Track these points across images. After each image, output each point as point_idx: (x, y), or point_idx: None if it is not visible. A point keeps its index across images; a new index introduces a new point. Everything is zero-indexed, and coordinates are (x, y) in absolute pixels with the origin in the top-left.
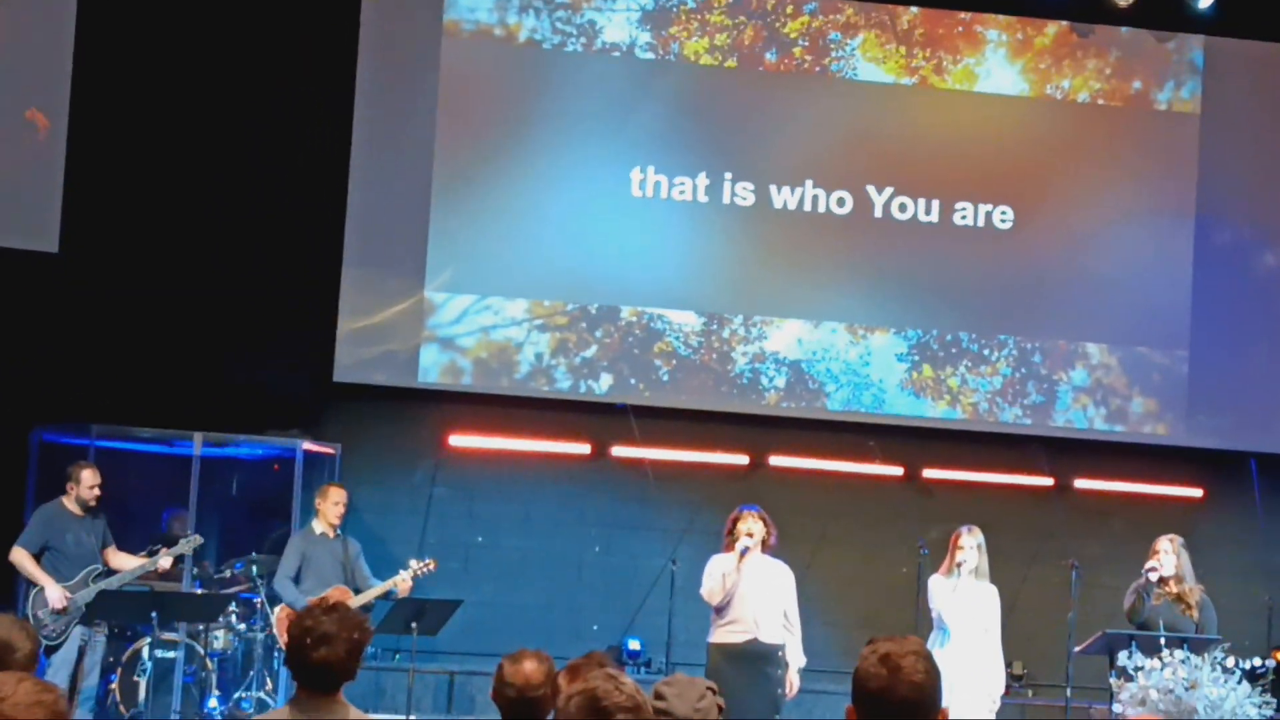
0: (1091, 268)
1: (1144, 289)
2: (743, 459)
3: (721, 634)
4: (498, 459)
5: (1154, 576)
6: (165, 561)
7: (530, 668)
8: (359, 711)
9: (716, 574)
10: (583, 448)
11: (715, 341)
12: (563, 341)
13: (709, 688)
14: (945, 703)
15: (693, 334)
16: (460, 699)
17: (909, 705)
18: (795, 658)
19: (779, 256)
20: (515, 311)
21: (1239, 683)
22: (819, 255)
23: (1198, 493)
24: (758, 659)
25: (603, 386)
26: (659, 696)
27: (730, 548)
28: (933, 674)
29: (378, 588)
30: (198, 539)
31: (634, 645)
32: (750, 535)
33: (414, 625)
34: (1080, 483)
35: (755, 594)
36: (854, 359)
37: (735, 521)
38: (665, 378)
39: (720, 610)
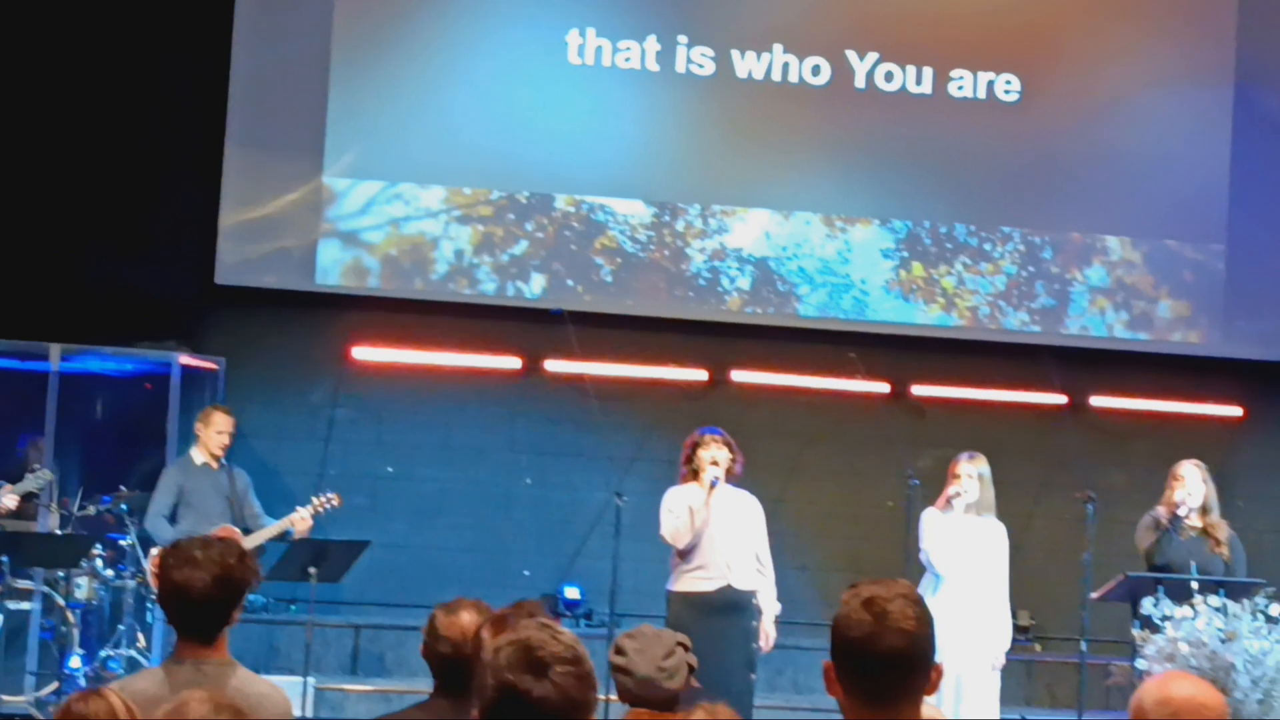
0: (1111, 147)
1: (1173, 171)
2: (700, 374)
3: (688, 581)
4: (411, 375)
5: (1184, 510)
6: (9, 500)
7: (467, 619)
8: (248, 671)
9: (682, 511)
10: (511, 362)
11: (667, 236)
12: (487, 236)
13: (679, 643)
14: (939, 657)
15: (641, 227)
16: (367, 658)
17: (896, 657)
18: (769, 605)
19: (742, 136)
20: (430, 201)
21: None
22: (790, 134)
23: (1237, 411)
24: (730, 609)
25: (534, 289)
26: (619, 651)
27: (688, 479)
28: (924, 621)
29: (271, 527)
30: (47, 474)
31: (572, 594)
32: (716, 464)
33: (313, 571)
34: (1098, 400)
35: (726, 533)
36: (831, 256)
37: (695, 448)
38: (608, 279)
39: (686, 553)
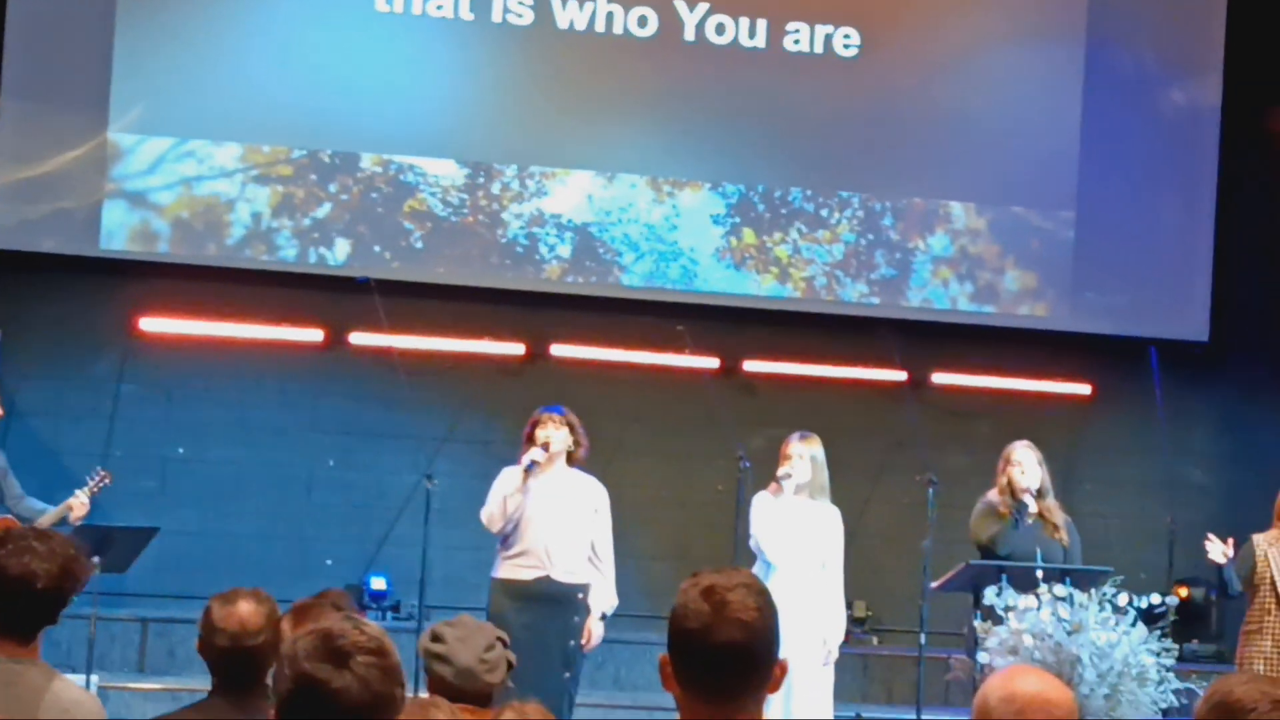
0: (956, 107)
1: (1021, 134)
2: (517, 348)
3: (507, 568)
4: (203, 349)
5: (1028, 497)
6: None
7: (246, 610)
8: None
9: (498, 493)
10: (313, 334)
11: (482, 199)
12: (287, 198)
13: (499, 638)
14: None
15: (453, 189)
16: (156, 654)
17: (735, 651)
18: (601, 601)
19: (563, 91)
20: (225, 159)
21: (1133, 625)
22: (614, 90)
23: (1085, 389)
24: (549, 601)
25: (338, 256)
26: (436, 638)
27: None
28: (767, 613)
29: (50, 514)
30: None
31: (378, 584)
32: (546, 445)
33: (96, 560)
34: (940, 378)
35: (548, 519)
36: (658, 221)
37: (534, 427)
38: (419, 245)
39: (506, 539)
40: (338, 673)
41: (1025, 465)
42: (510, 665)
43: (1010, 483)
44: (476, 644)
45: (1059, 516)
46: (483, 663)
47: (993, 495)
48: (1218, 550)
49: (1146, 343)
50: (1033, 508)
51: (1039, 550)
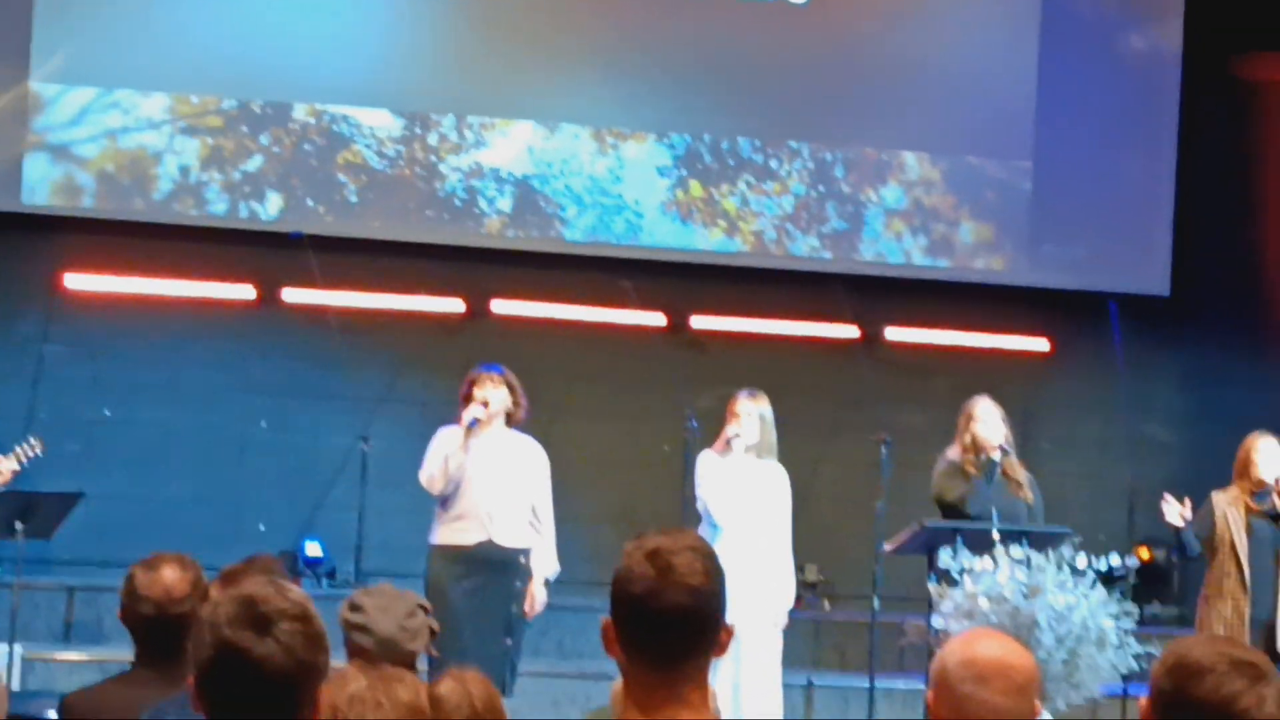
0: (909, 54)
1: (976, 82)
2: (457, 305)
3: (446, 533)
4: (131, 306)
5: (997, 453)
6: None
7: (171, 576)
8: None
9: (438, 454)
10: (245, 291)
11: (419, 150)
12: (216, 150)
13: (421, 605)
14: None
15: (389, 140)
16: (83, 623)
17: (682, 614)
18: (543, 566)
19: (502, 38)
20: (152, 110)
21: (1092, 587)
22: (555, 36)
23: (1043, 345)
24: (491, 566)
25: (270, 210)
26: (355, 607)
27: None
28: (714, 576)
29: None
30: None
31: (313, 550)
32: (486, 404)
33: (20, 526)
34: (893, 333)
35: (490, 482)
36: (601, 174)
37: (472, 386)
38: (353, 198)
39: (445, 502)
40: (259, 640)
41: (989, 420)
42: (433, 632)
43: (975, 440)
44: (396, 612)
45: (1022, 474)
46: (403, 630)
47: (953, 453)
48: (1174, 512)
49: (1106, 297)
50: (1000, 464)
51: (1005, 509)
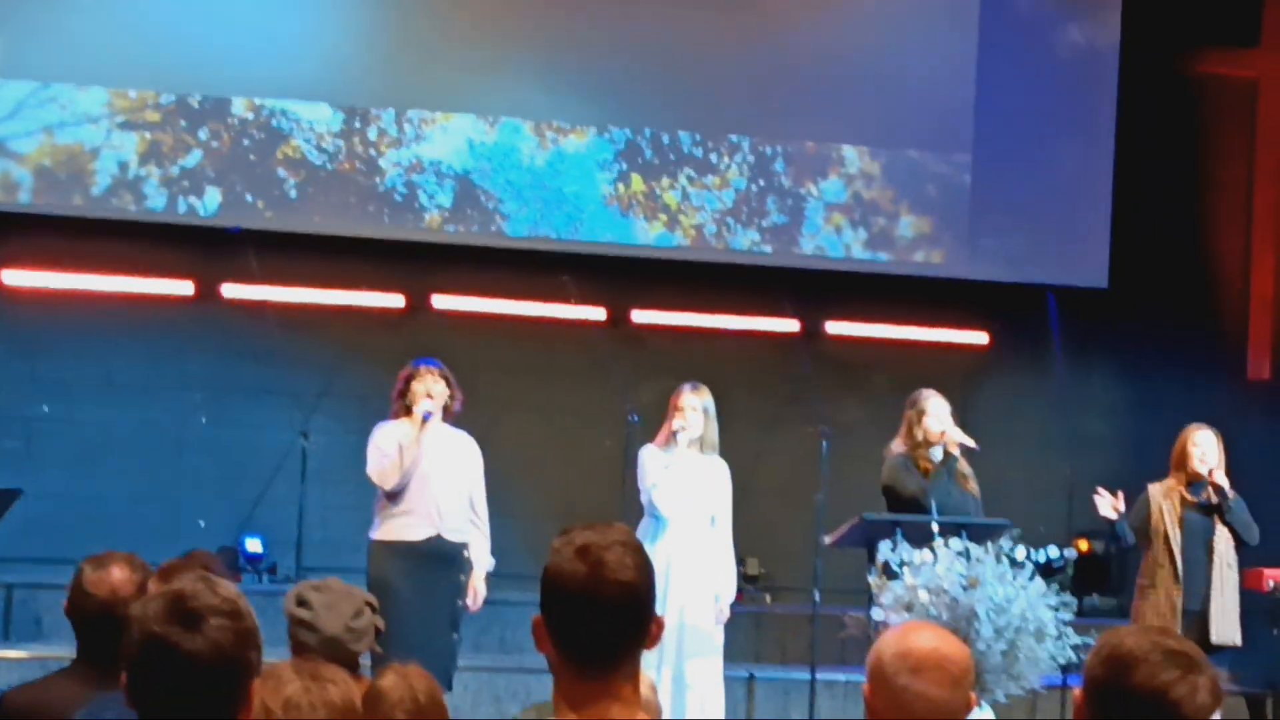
0: (849, 47)
1: (916, 75)
2: (397, 300)
3: (393, 528)
4: (69, 303)
5: (958, 448)
6: None
7: (119, 576)
8: None
9: (390, 447)
10: (184, 287)
11: (358, 145)
12: (155, 145)
13: (368, 603)
14: (660, 609)
15: (328, 135)
16: (22, 621)
17: (615, 610)
18: (482, 559)
19: (442, 31)
20: (90, 104)
21: (1030, 579)
22: (496, 31)
23: (982, 338)
24: (439, 561)
25: (209, 205)
26: (302, 602)
27: (400, 415)
28: (644, 571)
29: None
30: None
31: (253, 546)
32: (431, 398)
33: None
34: (834, 327)
35: (438, 477)
36: (542, 168)
37: (408, 381)
38: (293, 194)
39: (393, 497)
40: (189, 635)
41: (940, 415)
42: (378, 631)
43: (927, 435)
44: (343, 611)
45: (967, 467)
46: (349, 631)
47: (898, 446)
48: (1107, 505)
49: (1045, 290)
50: (938, 457)
51: (957, 503)
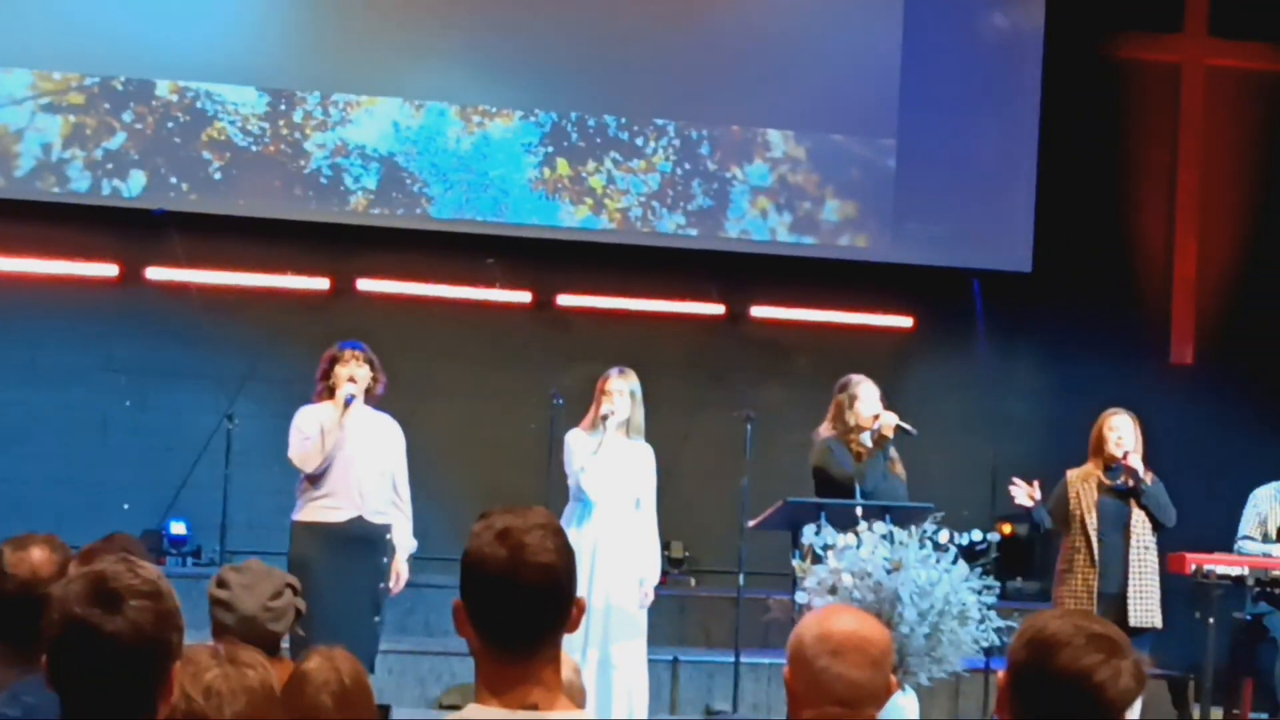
0: (774, 31)
1: (841, 59)
2: (322, 283)
3: (315, 510)
4: None
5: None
6: None
7: (39, 557)
8: None
9: (312, 430)
10: (107, 270)
11: (283, 128)
12: (78, 127)
13: (289, 584)
14: (581, 590)
15: (253, 118)
16: None
17: (535, 593)
18: (404, 542)
19: (368, 14)
20: (13, 86)
21: (954, 563)
22: (421, 14)
23: (906, 322)
24: (360, 544)
25: (133, 188)
26: (221, 583)
27: (323, 397)
28: (564, 553)
29: None
30: None
31: (177, 529)
32: (354, 381)
33: None
34: (759, 311)
35: (361, 459)
36: (467, 151)
37: (332, 363)
38: (217, 176)
39: (315, 479)
40: (109, 616)
41: (871, 400)
42: (299, 613)
43: (859, 420)
44: (262, 591)
45: (894, 451)
46: (267, 611)
47: (827, 430)
48: (1023, 494)
49: (969, 274)
50: (866, 442)
51: (888, 487)
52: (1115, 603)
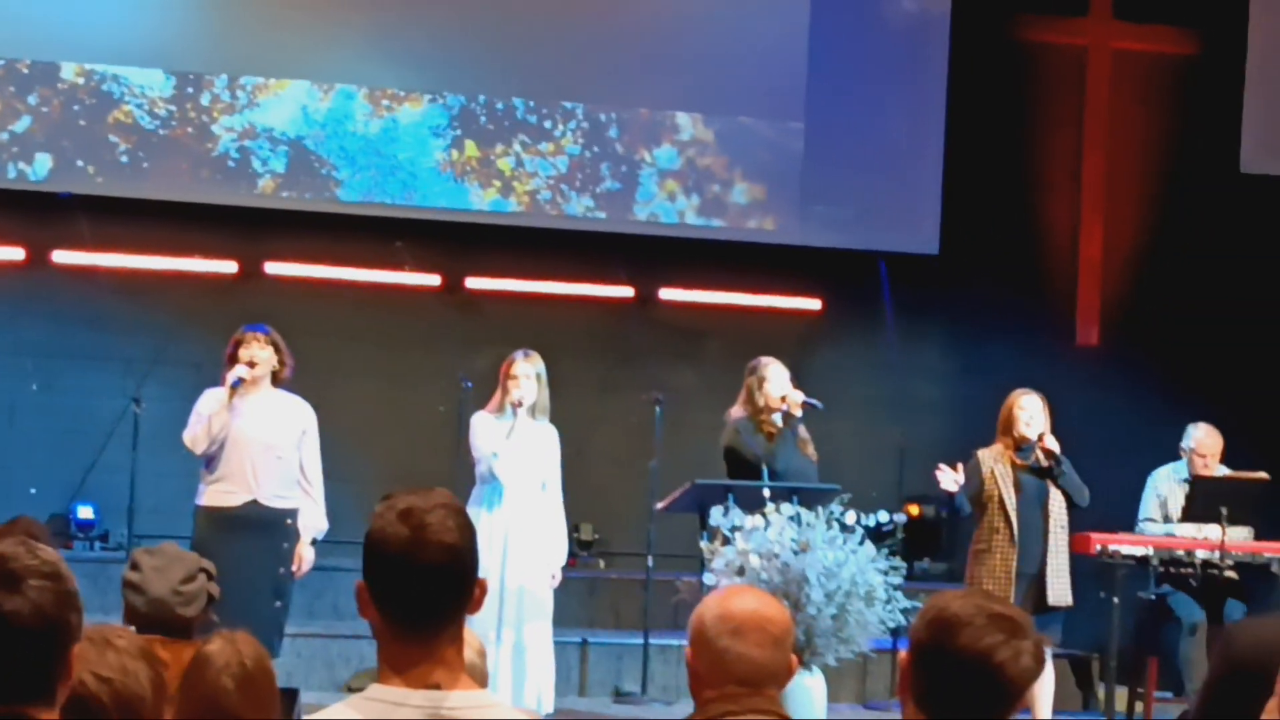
0: (682, 13)
1: (748, 41)
2: (230, 266)
3: (211, 494)
4: None
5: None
6: None
7: None
8: None
9: (203, 413)
10: (13, 253)
11: (191, 111)
12: None
13: (204, 569)
14: (494, 574)
15: (160, 101)
16: None
17: (437, 573)
18: (312, 525)
19: None
20: None
21: (860, 544)
22: None
23: (815, 304)
24: (257, 528)
25: (39, 171)
26: (134, 566)
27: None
28: (467, 533)
29: None
30: None
31: (85, 514)
32: (253, 364)
33: None
34: (667, 293)
35: (254, 441)
36: (376, 134)
37: (237, 346)
38: (124, 159)
39: (209, 463)
40: (7, 596)
41: (780, 381)
42: (211, 598)
43: (768, 401)
44: (173, 575)
45: (805, 432)
46: (177, 594)
47: (739, 412)
48: (949, 479)
49: (876, 256)
50: (776, 422)
51: (798, 468)
52: (1034, 582)
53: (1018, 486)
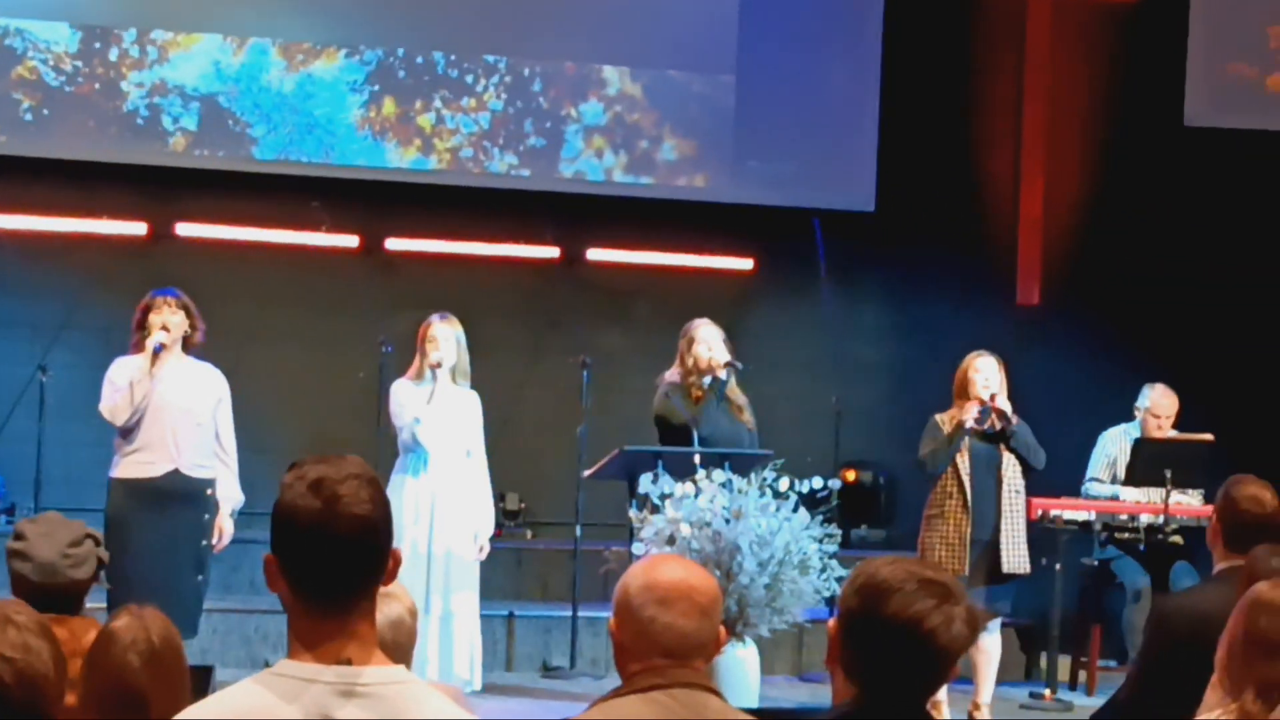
0: None
1: None
2: (140, 228)
3: (129, 465)
4: None
5: (724, 372)
6: None
7: None
8: None
9: (123, 382)
10: None
11: (99, 66)
12: None
13: (89, 535)
14: (422, 542)
15: (66, 56)
16: None
17: (351, 546)
18: (229, 496)
19: None
20: None
21: (795, 511)
22: None
23: (746, 264)
24: (179, 499)
25: None
26: (19, 536)
27: (139, 348)
28: (380, 503)
29: None
30: None
31: None
32: (166, 330)
33: None
34: (595, 253)
35: (174, 409)
36: (291, 91)
37: (146, 312)
38: (28, 117)
39: (127, 433)
40: None
41: (713, 343)
42: (101, 563)
43: (697, 362)
44: (60, 539)
45: (741, 397)
46: (65, 557)
47: (673, 375)
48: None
49: (810, 213)
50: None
51: (729, 433)
52: (988, 549)
53: (971, 452)
